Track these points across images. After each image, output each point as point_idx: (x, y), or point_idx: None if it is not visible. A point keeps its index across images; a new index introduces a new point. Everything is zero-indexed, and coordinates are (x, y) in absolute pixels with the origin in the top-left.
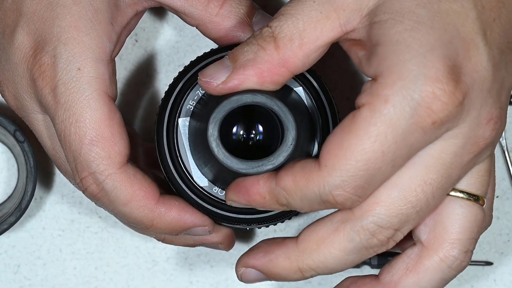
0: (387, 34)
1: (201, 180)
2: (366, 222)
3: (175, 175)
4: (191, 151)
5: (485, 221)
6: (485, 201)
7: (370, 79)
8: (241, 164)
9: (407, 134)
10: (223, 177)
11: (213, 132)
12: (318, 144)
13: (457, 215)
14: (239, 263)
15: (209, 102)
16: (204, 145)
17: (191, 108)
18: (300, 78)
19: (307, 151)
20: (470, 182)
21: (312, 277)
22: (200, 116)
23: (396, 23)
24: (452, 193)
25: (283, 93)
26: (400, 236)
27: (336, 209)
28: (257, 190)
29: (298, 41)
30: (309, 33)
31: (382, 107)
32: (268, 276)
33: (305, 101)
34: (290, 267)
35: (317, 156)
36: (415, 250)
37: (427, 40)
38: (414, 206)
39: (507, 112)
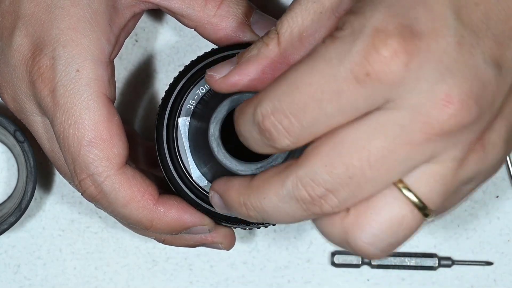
0: None
1: (200, 180)
2: (301, 172)
3: (175, 174)
4: (191, 151)
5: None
6: (430, 214)
7: None
8: (240, 165)
9: (342, 88)
10: (217, 173)
11: (214, 131)
12: None
13: (385, 205)
14: (211, 188)
15: (210, 102)
16: (204, 145)
17: (192, 107)
18: None
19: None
20: (418, 179)
21: (256, 219)
22: (201, 115)
23: None
24: (397, 184)
25: None
26: (334, 201)
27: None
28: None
29: (298, 36)
30: (308, 26)
31: (325, 46)
32: (225, 205)
33: None
34: (238, 200)
35: None
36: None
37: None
38: (347, 170)
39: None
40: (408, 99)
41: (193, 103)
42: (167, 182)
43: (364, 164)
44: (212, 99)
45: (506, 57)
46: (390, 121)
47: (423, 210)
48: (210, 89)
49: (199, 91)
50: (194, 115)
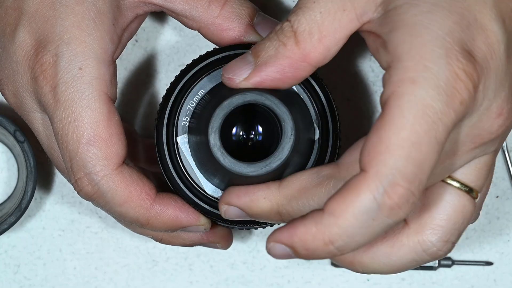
0: (403, 18)
1: (199, 179)
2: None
3: (173, 173)
4: (197, 166)
5: (473, 217)
6: (478, 195)
7: (384, 76)
8: (248, 167)
9: (443, 116)
10: (216, 174)
11: (215, 142)
12: (318, 128)
13: (445, 203)
14: (222, 201)
15: (202, 114)
16: (208, 157)
17: (186, 124)
18: (309, 90)
19: (309, 137)
20: (466, 172)
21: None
22: (197, 130)
23: (412, 6)
24: (447, 180)
25: (290, 99)
26: (407, 208)
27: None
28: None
29: (317, 35)
30: (328, 26)
31: (410, 90)
32: (249, 215)
33: (296, 89)
34: (270, 209)
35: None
36: (398, 226)
37: (446, 22)
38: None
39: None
40: (471, 118)
41: (187, 119)
42: (166, 181)
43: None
44: (204, 110)
45: None
46: (449, 140)
47: (474, 194)
48: (199, 101)
49: (189, 106)
50: (190, 131)
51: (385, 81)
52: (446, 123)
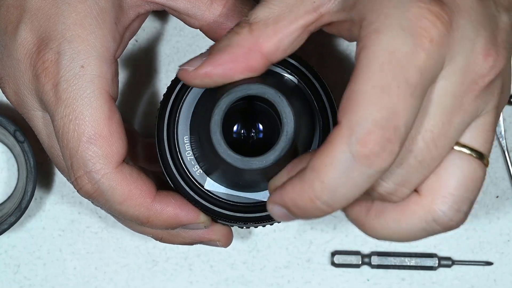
0: None
1: (199, 177)
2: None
3: (174, 171)
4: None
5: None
6: (489, 160)
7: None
8: (237, 159)
9: (412, 57)
10: (216, 171)
11: (216, 138)
12: (318, 120)
13: (455, 169)
14: (271, 201)
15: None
16: (209, 152)
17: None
18: (291, 69)
19: (307, 143)
20: (474, 136)
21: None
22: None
23: None
24: (455, 147)
25: (285, 87)
26: (405, 191)
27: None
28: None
29: (272, 26)
30: (283, 17)
31: (375, 39)
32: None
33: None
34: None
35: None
36: (411, 196)
37: None
38: (415, 156)
39: (507, 102)
40: (456, 63)
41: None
42: (166, 179)
43: (430, 145)
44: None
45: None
46: (442, 94)
47: (484, 159)
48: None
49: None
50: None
51: (357, 42)
52: (416, 64)
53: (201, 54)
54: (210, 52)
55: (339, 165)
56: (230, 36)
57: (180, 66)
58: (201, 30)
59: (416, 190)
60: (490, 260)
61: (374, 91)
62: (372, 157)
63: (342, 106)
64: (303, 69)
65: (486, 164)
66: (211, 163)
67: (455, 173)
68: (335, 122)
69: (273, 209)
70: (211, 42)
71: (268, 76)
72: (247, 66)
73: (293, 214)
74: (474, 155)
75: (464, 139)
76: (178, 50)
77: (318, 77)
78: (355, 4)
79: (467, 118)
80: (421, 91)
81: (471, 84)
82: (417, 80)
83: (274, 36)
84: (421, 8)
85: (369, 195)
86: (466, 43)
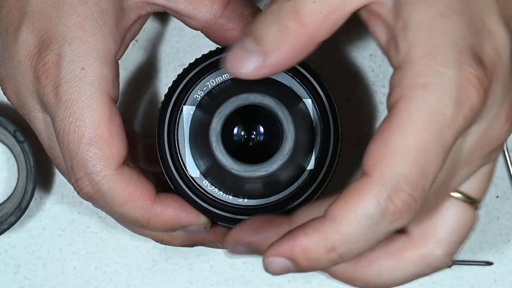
0: (419, 18)
1: (199, 179)
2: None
3: (174, 173)
4: (190, 141)
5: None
6: (479, 206)
7: (393, 75)
8: (235, 165)
9: (452, 121)
10: (216, 173)
11: (216, 126)
12: (315, 159)
13: (450, 216)
14: (230, 238)
15: (218, 96)
16: (204, 138)
17: (199, 98)
18: (310, 90)
19: (301, 164)
20: (472, 184)
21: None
22: (206, 108)
23: (429, 8)
24: (452, 193)
25: (292, 101)
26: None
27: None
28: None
29: (323, 12)
30: (334, 1)
31: (421, 95)
32: (259, 254)
33: (311, 114)
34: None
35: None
36: (400, 239)
37: (459, 27)
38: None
39: None
40: (480, 125)
41: (201, 94)
42: (166, 180)
43: (430, 192)
44: (221, 93)
45: None
46: (459, 149)
47: (477, 204)
48: (220, 84)
49: (209, 83)
50: (200, 106)
51: (394, 82)
52: (454, 129)
53: (244, 48)
54: (262, 49)
55: (365, 218)
56: (281, 29)
57: (228, 68)
58: (202, 32)
59: (404, 230)
60: (490, 260)
61: (413, 149)
62: (397, 214)
63: (374, 156)
64: (303, 70)
65: (476, 208)
66: (207, 161)
67: (449, 219)
68: (335, 124)
69: (274, 262)
70: (211, 43)
71: (268, 84)
72: (302, 55)
73: (299, 266)
74: (468, 201)
75: (462, 187)
76: (178, 50)
77: (319, 78)
78: (407, 29)
79: (471, 172)
80: (448, 154)
81: (485, 145)
82: (452, 143)
83: (327, 23)
84: (471, 74)
85: None
86: (494, 108)
